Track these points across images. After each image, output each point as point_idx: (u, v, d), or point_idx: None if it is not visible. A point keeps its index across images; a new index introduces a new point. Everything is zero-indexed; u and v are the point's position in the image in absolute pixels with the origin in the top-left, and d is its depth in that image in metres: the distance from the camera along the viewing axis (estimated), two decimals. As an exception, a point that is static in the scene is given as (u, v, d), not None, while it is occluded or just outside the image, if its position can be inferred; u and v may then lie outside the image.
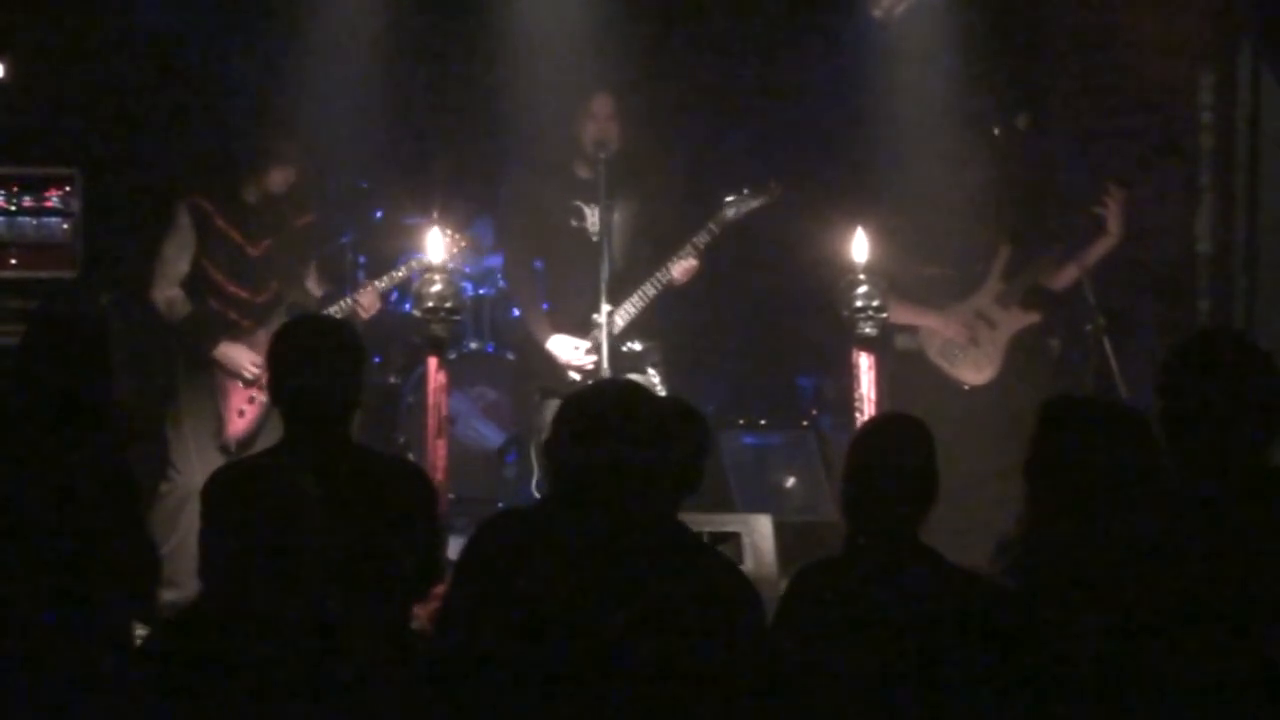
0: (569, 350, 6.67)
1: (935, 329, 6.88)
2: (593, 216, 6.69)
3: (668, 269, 6.62)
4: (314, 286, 6.82)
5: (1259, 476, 3.59)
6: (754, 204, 6.68)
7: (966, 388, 6.85)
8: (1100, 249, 6.74)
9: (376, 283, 6.74)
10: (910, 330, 6.91)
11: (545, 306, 6.89)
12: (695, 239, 6.62)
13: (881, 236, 6.67)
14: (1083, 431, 3.49)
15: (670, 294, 6.72)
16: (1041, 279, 6.86)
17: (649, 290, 6.63)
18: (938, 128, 7.01)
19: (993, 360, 6.85)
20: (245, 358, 6.48)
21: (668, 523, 3.66)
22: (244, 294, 6.59)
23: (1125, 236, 6.72)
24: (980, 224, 6.86)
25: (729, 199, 6.67)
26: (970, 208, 6.84)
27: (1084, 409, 3.58)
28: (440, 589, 4.31)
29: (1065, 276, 6.80)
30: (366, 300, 6.66)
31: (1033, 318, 6.88)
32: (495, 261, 8.05)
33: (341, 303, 6.66)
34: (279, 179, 6.57)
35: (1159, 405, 3.66)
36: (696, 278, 6.70)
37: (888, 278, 6.26)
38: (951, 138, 6.96)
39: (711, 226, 6.63)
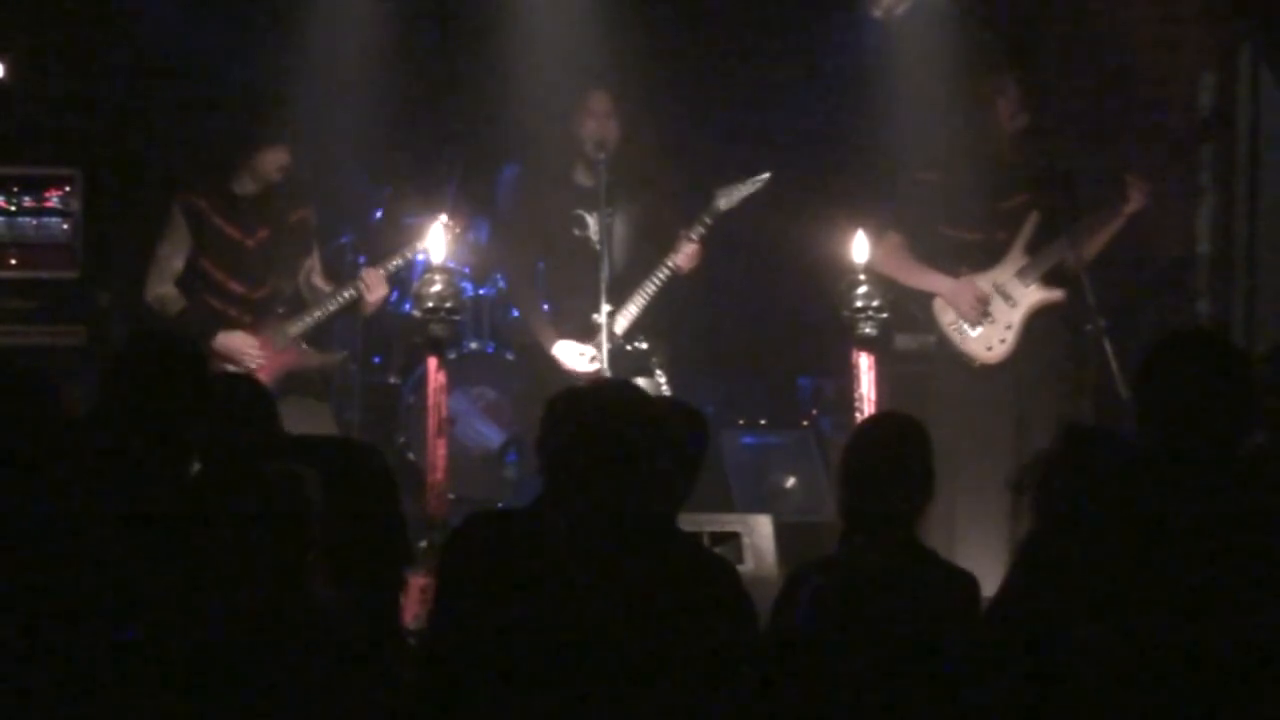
0: (574, 356, 6.66)
1: (944, 296, 6.53)
2: (595, 224, 6.67)
3: (667, 264, 6.60)
4: (321, 282, 6.78)
5: (1235, 471, 3.59)
6: (744, 192, 6.59)
7: (976, 365, 6.50)
8: (1113, 228, 6.46)
9: (383, 266, 6.56)
10: (915, 329, 6.79)
11: (545, 308, 6.89)
12: (689, 232, 6.59)
13: (906, 190, 6.62)
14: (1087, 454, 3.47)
15: (670, 294, 6.70)
16: (1064, 258, 6.45)
17: (649, 288, 6.62)
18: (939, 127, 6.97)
19: (1005, 339, 6.48)
20: (245, 344, 6.47)
21: (664, 524, 3.65)
22: (242, 289, 6.58)
23: (1133, 223, 6.47)
24: (1009, 187, 6.51)
25: (719, 189, 6.62)
26: (999, 168, 6.51)
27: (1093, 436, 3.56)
28: (420, 580, 4.35)
29: (1091, 248, 6.46)
30: (372, 280, 6.51)
31: (1054, 295, 6.50)
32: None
33: (349, 290, 6.57)
34: (272, 161, 6.48)
35: (1137, 405, 3.66)
36: (700, 264, 6.65)
37: (909, 234, 6.15)
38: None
39: (705, 219, 6.61)
